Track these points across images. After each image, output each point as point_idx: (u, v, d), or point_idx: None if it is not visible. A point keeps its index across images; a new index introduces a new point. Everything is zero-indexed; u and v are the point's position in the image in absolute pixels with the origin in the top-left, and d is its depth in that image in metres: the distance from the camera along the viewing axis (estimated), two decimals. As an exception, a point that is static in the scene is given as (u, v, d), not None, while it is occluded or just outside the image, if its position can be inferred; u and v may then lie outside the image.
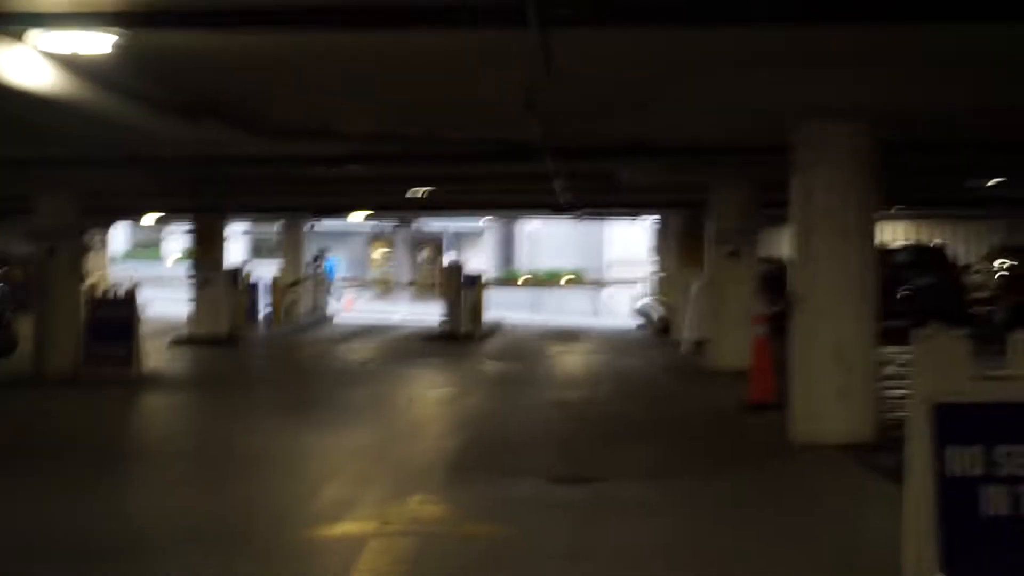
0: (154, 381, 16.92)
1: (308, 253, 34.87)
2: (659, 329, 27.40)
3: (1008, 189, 21.88)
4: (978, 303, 25.36)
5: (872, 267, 11.42)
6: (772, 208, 17.54)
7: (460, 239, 53.73)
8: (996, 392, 5.40)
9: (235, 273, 26.57)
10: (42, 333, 17.51)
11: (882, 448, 10.32)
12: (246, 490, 9.39)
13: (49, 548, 7.41)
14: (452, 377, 18.66)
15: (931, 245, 28.84)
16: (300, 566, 7.18)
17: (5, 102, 9.54)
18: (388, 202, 27.46)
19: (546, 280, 49.35)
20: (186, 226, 26.83)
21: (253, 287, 29.58)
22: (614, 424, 13.29)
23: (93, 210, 20.43)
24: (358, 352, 23.21)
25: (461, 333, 25.71)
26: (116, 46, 8.17)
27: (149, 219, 34.11)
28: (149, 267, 49.27)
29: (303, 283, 33.02)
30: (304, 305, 32.70)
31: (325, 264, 35.55)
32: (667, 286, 27.91)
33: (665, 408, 14.92)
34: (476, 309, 27.22)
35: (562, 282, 49.35)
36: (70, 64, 9.00)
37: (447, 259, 43.01)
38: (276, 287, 30.28)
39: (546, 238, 52.29)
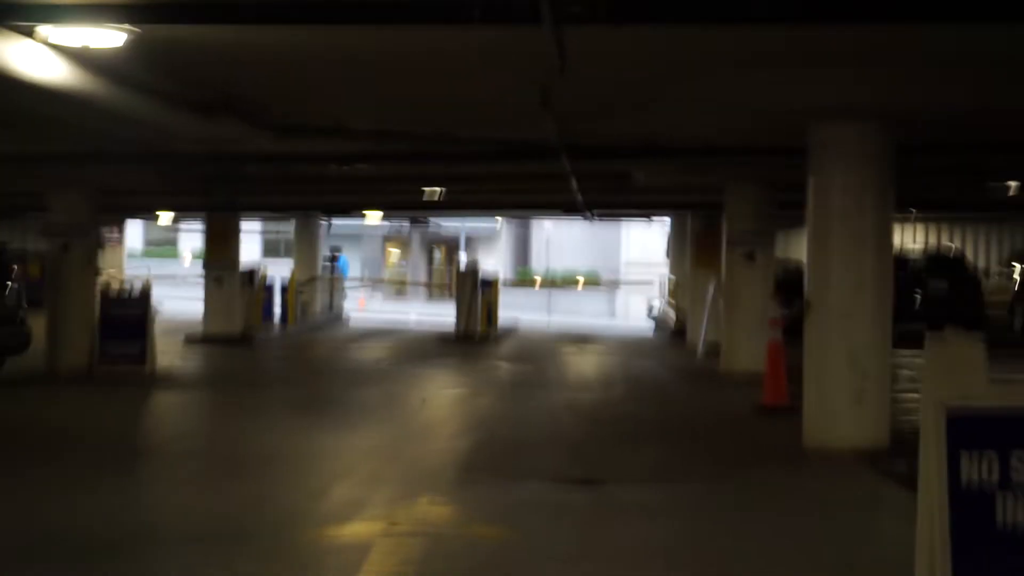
0: (167, 379, 16.92)
1: (323, 252, 34.84)
2: (675, 331, 27.30)
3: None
4: (996, 307, 25.25)
5: (888, 270, 11.31)
6: (789, 209, 17.43)
7: (475, 240, 53.71)
8: (1012, 397, 5.30)
9: (251, 273, 26.59)
10: (55, 330, 17.51)
11: (897, 454, 10.21)
12: (256, 489, 9.34)
13: (49, 548, 7.37)
14: (465, 378, 18.61)
15: (948, 249, 28.73)
16: (307, 566, 7.13)
17: (17, 96, 9.52)
18: (401, 202, 27.41)
19: (562, 282, 49.20)
20: (200, 225, 26.85)
21: (268, 286, 29.60)
22: (626, 427, 13.22)
23: (107, 208, 20.44)
24: (372, 352, 23.18)
25: (476, 334, 25.68)
26: (128, 40, 8.13)
27: (166, 218, 34.15)
28: (165, 265, 49.44)
29: (317, 282, 33.02)
30: (319, 304, 32.69)
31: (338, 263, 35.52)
32: (682, 288, 27.80)
33: (678, 411, 14.84)
34: (491, 310, 27.19)
35: (578, 285, 49.19)
36: (81, 58, 8.96)
37: (462, 260, 42.97)
38: (291, 286, 30.29)
39: (562, 239, 52.17)
